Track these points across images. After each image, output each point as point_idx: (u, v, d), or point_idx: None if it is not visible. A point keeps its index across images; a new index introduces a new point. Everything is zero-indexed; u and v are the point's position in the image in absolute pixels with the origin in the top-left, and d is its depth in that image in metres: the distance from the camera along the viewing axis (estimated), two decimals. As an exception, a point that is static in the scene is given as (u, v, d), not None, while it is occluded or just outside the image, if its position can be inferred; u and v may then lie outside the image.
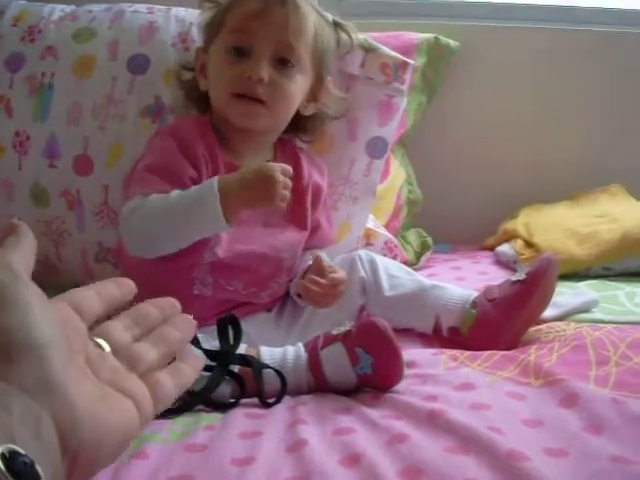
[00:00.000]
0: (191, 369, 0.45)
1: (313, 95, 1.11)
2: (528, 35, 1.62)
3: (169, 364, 0.45)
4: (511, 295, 1.00)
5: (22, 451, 0.32)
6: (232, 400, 0.85)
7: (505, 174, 1.64)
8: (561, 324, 1.02)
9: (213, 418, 0.80)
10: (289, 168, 0.95)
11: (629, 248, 1.33)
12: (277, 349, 0.91)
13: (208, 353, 0.85)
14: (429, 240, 1.47)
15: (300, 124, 1.13)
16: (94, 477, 0.37)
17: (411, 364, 0.90)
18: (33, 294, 0.38)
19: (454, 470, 0.62)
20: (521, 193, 1.57)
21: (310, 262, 1.04)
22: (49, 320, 0.37)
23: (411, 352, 0.94)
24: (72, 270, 1.24)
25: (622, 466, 0.61)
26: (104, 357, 0.41)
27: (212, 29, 1.08)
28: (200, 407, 0.83)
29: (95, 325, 0.43)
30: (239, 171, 0.96)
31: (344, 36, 1.17)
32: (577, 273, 1.31)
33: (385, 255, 1.29)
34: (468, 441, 0.66)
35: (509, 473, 0.60)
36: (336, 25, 1.15)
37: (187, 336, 0.47)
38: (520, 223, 1.48)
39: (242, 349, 0.89)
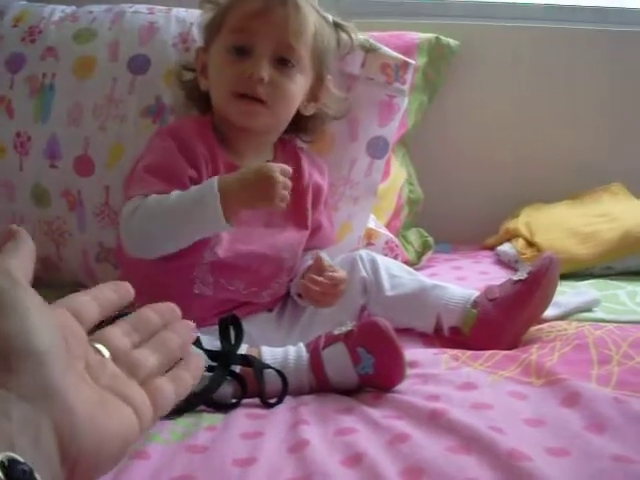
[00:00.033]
0: (191, 375, 0.45)
1: (313, 95, 1.11)
2: (528, 35, 1.62)
3: (169, 370, 0.45)
4: (512, 295, 1.00)
5: (21, 459, 0.32)
6: (233, 400, 0.85)
7: (506, 174, 1.64)
8: (563, 323, 1.02)
9: (214, 418, 0.80)
10: (289, 168, 0.95)
11: (630, 247, 1.33)
12: (278, 349, 0.91)
13: (209, 353, 0.85)
14: (430, 240, 1.47)
15: (301, 124, 1.13)
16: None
17: (412, 364, 0.90)
18: (32, 300, 0.37)
19: (456, 470, 0.62)
20: (522, 193, 1.57)
21: (310, 262, 1.04)
22: (48, 326, 0.37)
23: (412, 352, 0.94)
24: (73, 270, 1.24)
25: (624, 465, 0.61)
26: (104, 363, 0.41)
27: (213, 29, 1.08)
28: (201, 407, 0.83)
29: (94, 330, 0.43)
30: (239, 171, 0.96)
31: (344, 36, 1.17)
32: (578, 272, 1.31)
33: (386, 255, 1.28)
34: (470, 441, 0.66)
35: (511, 473, 0.60)
36: (336, 25, 1.15)
37: (187, 342, 0.47)
38: (521, 223, 1.48)
39: (243, 349, 0.89)
